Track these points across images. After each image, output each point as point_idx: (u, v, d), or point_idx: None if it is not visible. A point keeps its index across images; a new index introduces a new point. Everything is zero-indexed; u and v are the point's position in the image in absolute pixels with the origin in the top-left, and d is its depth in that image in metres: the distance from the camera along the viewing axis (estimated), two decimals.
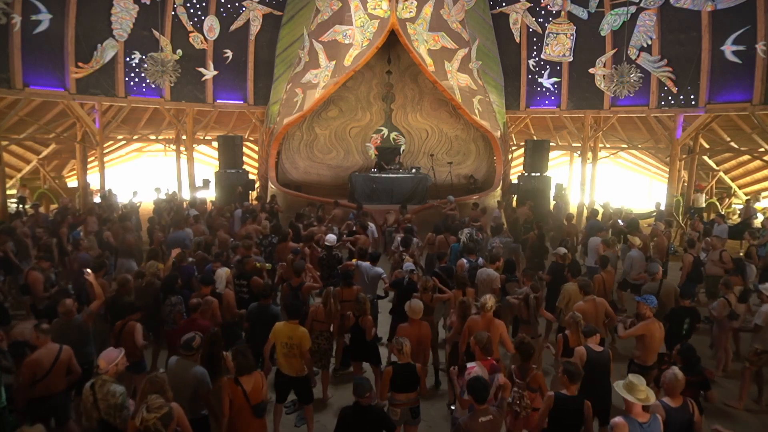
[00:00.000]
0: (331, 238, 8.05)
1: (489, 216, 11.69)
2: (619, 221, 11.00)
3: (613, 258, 8.32)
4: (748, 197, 15.72)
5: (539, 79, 15.69)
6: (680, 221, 14.06)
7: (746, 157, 15.91)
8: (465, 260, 7.57)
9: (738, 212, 16.00)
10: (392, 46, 14.25)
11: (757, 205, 14.99)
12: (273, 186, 14.24)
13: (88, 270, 6.04)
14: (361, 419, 3.89)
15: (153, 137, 17.14)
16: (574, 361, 4.52)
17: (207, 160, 19.47)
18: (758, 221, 13.03)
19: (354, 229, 9.65)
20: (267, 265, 7.34)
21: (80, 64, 12.73)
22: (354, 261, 7.57)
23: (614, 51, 14.27)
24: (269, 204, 12.26)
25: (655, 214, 13.33)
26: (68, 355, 4.69)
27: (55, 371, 4.59)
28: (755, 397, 6.21)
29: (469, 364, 4.63)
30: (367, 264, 7.17)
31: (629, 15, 13.58)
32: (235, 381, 4.24)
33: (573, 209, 14.10)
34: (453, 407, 5.01)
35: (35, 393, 4.53)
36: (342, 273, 6.74)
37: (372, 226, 10.13)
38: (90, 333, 5.55)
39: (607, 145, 17.52)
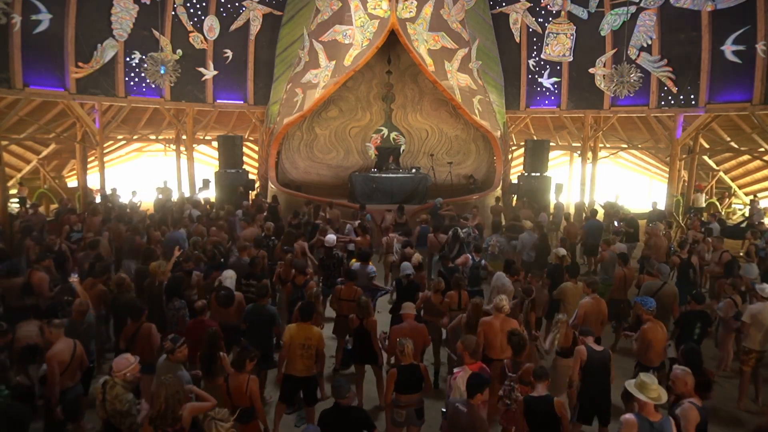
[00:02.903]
0: (331, 238, 8.06)
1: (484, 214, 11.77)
2: (616, 222, 11.05)
3: (613, 256, 8.33)
4: (753, 197, 15.69)
5: (539, 79, 15.68)
6: (680, 221, 14.06)
7: (746, 157, 15.91)
8: (469, 256, 7.65)
9: (738, 212, 16.02)
10: (392, 46, 14.24)
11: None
12: (273, 186, 14.25)
13: (74, 276, 6.08)
14: (342, 420, 3.89)
15: (153, 137, 17.13)
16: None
17: (207, 160, 19.45)
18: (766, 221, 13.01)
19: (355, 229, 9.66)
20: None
21: (80, 64, 12.72)
22: (353, 262, 7.61)
23: (614, 51, 14.26)
24: (271, 204, 12.24)
25: (649, 213, 13.27)
26: (81, 349, 4.79)
27: (74, 364, 4.66)
28: (753, 397, 6.21)
29: (455, 369, 4.64)
30: (358, 264, 7.21)
31: (629, 15, 13.56)
32: (224, 379, 4.28)
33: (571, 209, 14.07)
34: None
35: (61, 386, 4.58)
36: (345, 271, 6.74)
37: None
38: (95, 332, 5.60)
39: (607, 145, 17.52)
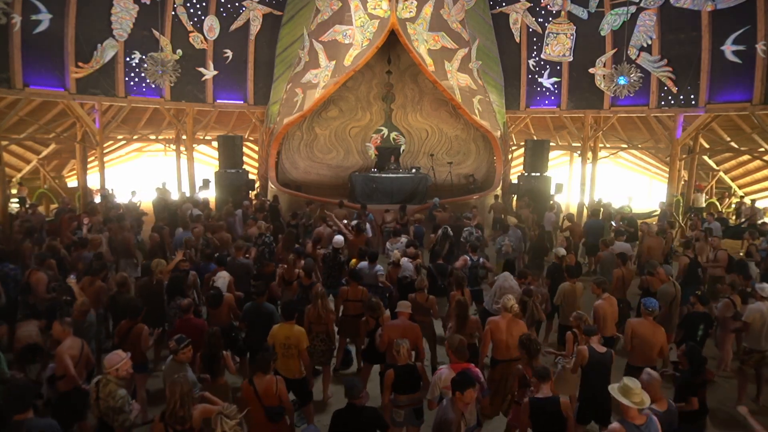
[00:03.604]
0: (339, 239, 8.01)
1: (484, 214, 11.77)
2: (613, 222, 11.07)
3: (610, 256, 8.33)
4: (752, 198, 15.66)
5: (539, 79, 15.68)
6: (680, 221, 14.06)
7: (746, 157, 15.90)
8: (468, 257, 7.65)
9: (738, 212, 15.97)
10: (392, 46, 14.24)
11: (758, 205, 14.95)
12: (273, 186, 14.25)
13: (72, 278, 6.09)
14: (355, 420, 3.89)
15: (153, 137, 17.13)
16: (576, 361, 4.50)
17: (207, 160, 19.47)
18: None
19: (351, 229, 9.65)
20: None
21: (80, 64, 12.72)
22: (353, 261, 7.58)
23: (614, 51, 14.26)
24: (272, 203, 12.23)
25: (656, 213, 13.34)
26: (87, 348, 4.82)
27: (81, 363, 4.68)
28: (754, 397, 6.20)
29: (439, 367, 4.63)
30: (366, 264, 7.18)
31: (629, 15, 13.57)
32: (249, 381, 4.26)
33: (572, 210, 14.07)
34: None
35: (61, 387, 4.57)
36: (350, 272, 6.71)
37: (368, 225, 10.13)
38: (95, 331, 5.61)
39: (607, 145, 17.51)
